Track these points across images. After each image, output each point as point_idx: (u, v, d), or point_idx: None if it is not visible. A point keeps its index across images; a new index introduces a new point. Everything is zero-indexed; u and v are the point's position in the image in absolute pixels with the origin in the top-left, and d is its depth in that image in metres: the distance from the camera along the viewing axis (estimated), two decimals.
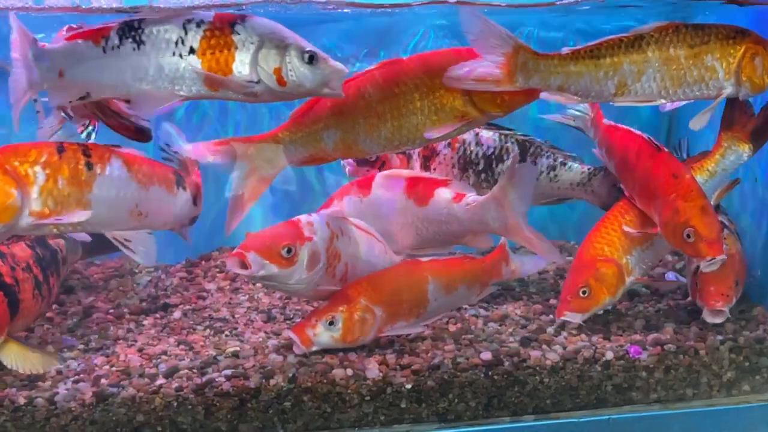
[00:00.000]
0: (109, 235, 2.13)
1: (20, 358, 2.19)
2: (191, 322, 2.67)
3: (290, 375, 2.17)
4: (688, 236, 2.36)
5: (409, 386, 2.20)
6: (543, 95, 2.27)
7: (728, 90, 2.25)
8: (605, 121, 2.80)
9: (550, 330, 2.51)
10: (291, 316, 2.72)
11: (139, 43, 1.97)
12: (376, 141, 2.20)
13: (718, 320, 2.47)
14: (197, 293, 3.01)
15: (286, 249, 2.17)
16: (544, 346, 2.38)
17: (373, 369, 2.22)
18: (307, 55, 1.98)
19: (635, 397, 2.36)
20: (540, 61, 2.17)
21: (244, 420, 2.15)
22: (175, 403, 2.10)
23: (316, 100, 2.24)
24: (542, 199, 2.96)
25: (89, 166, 2.06)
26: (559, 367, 2.30)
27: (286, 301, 2.91)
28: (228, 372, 2.19)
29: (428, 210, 2.56)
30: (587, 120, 2.83)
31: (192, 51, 1.96)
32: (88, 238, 2.59)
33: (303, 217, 2.31)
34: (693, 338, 2.45)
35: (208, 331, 2.58)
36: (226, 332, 2.56)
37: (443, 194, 2.56)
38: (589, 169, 2.91)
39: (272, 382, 2.16)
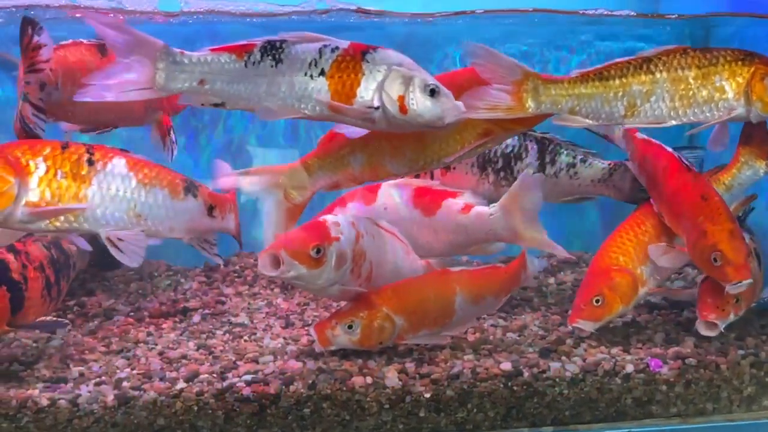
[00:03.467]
0: (104, 234, 2.13)
1: None
2: (210, 327, 2.69)
3: (310, 382, 2.18)
4: (715, 260, 2.34)
5: (428, 395, 2.20)
6: (555, 121, 2.31)
7: (739, 111, 2.29)
8: (638, 134, 2.79)
9: (570, 341, 2.51)
10: (309, 322, 2.73)
11: (278, 61, 2.07)
12: (401, 162, 2.28)
13: (711, 333, 2.41)
14: (216, 297, 3.03)
15: (315, 249, 2.19)
16: (564, 358, 2.38)
17: (392, 377, 2.22)
18: (429, 88, 2.06)
19: (655, 410, 2.35)
20: (550, 86, 2.23)
21: (264, 426, 2.15)
22: (196, 408, 2.11)
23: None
24: (563, 197, 2.94)
25: (90, 162, 2.09)
26: (578, 378, 2.29)
27: (304, 306, 2.93)
28: (248, 377, 2.20)
29: (435, 220, 2.59)
30: (620, 131, 2.82)
31: (322, 73, 2.07)
32: (88, 248, 2.60)
33: (329, 217, 2.32)
34: (714, 352, 2.43)
35: (227, 335, 2.60)
36: (245, 337, 2.57)
37: (451, 205, 2.58)
38: (609, 164, 2.89)
39: (292, 388, 2.17)
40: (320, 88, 2.07)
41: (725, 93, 2.25)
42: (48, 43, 2.44)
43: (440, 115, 2.08)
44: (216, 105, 2.11)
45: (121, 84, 2.02)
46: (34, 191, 2.02)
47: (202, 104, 2.12)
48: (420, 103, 2.06)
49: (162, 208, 2.20)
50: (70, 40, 2.65)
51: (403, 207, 2.60)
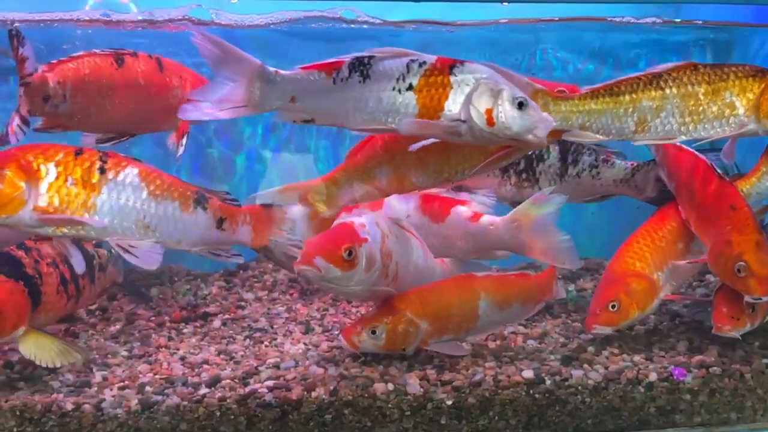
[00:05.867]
0: (113, 242, 2.13)
1: (39, 349, 2.19)
2: (231, 332, 2.70)
3: (332, 388, 2.18)
4: (739, 270, 2.32)
5: (449, 402, 2.20)
6: (565, 136, 2.30)
7: (750, 126, 2.29)
8: None
9: (591, 349, 2.49)
10: (329, 327, 2.74)
11: (365, 77, 2.09)
12: (425, 174, 2.28)
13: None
14: (236, 303, 3.04)
15: (347, 252, 2.20)
16: (586, 366, 2.36)
17: (413, 384, 2.22)
18: (518, 101, 2.07)
19: (678, 419, 2.33)
20: (560, 103, 2.24)
21: (285, 431, 2.16)
22: (218, 413, 2.12)
23: (368, 139, 2.32)
24: (585, 196, 2.95)
25: (102, 170, 2.09)
26: (601, 387, 2.27)
27: (323, 312, 2.93)
28: (270, 383, 2.20)
29: (444, 227, 2.60)
30: None
31: (410, 87, 2.08)
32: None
33: (355, 219, 2.33)
34: (738, 361, 2.41)
35: (247, 341, 2.61)
36: (266, 342, 2.58)
37: (460, 213, 2.60)
38: (632, 164, 2.89)
39: (314, 394, 2.17)
40: (408, 102, 2.08)
41: (735, 109, 2.26)
42: (30, 56, 2.45)
43: (529, 128, 2.07)
44: (305, 121, 2.13)
45: (218, 102, 2.04)
46: (43, 196, 2.03)
47: (294, 121, 2.14)
48: (508, 116, 2.06)
49: (171, 221, 2.19)
50: (83, 51, 2.65)
51: (411, 213, 2.62)
